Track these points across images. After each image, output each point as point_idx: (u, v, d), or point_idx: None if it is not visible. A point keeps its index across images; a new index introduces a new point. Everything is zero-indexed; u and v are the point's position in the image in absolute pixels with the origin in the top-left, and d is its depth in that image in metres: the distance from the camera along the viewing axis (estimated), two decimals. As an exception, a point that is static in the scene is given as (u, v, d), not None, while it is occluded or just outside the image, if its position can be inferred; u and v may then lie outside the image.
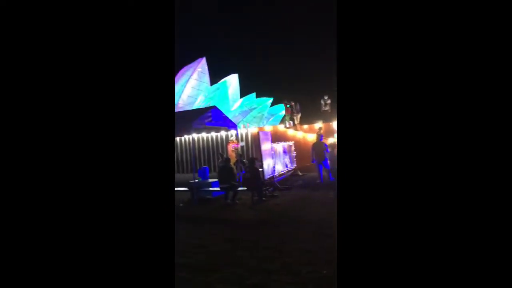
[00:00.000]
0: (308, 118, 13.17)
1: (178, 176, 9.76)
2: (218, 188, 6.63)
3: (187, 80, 21.09)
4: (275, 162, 7.95)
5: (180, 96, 20.72)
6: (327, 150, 7.88)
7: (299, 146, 10.95)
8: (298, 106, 12.29)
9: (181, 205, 6.47)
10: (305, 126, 12.42)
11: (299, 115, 12.37)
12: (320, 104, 12.02)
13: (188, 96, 20.99)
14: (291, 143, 10.14)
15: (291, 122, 12.24)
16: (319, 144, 7.95)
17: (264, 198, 6.23)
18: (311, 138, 10.86)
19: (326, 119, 11.61)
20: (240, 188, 6.37)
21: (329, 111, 11.68)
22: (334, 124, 10.71)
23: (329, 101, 11.77)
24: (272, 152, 7.87)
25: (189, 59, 22.21)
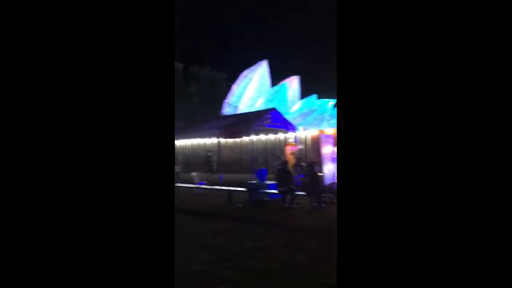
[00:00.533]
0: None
1: (237, 177, 10.03)
2: (275, 191, 6.58)
3: (248, 83, 21.65)
4: (336, 167, 7.57)
5: (241, 99, 21.38)
6: None
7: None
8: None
9: (239, 205, 6.60)
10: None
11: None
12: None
13: (249, 99, 21.51)
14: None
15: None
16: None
17: (323, 205, 5.95)
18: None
19: None
20: (297, 192, 6.21)
21: None
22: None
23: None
24: (334, 156, 7.50)
25: (253, 60, 22.82)
